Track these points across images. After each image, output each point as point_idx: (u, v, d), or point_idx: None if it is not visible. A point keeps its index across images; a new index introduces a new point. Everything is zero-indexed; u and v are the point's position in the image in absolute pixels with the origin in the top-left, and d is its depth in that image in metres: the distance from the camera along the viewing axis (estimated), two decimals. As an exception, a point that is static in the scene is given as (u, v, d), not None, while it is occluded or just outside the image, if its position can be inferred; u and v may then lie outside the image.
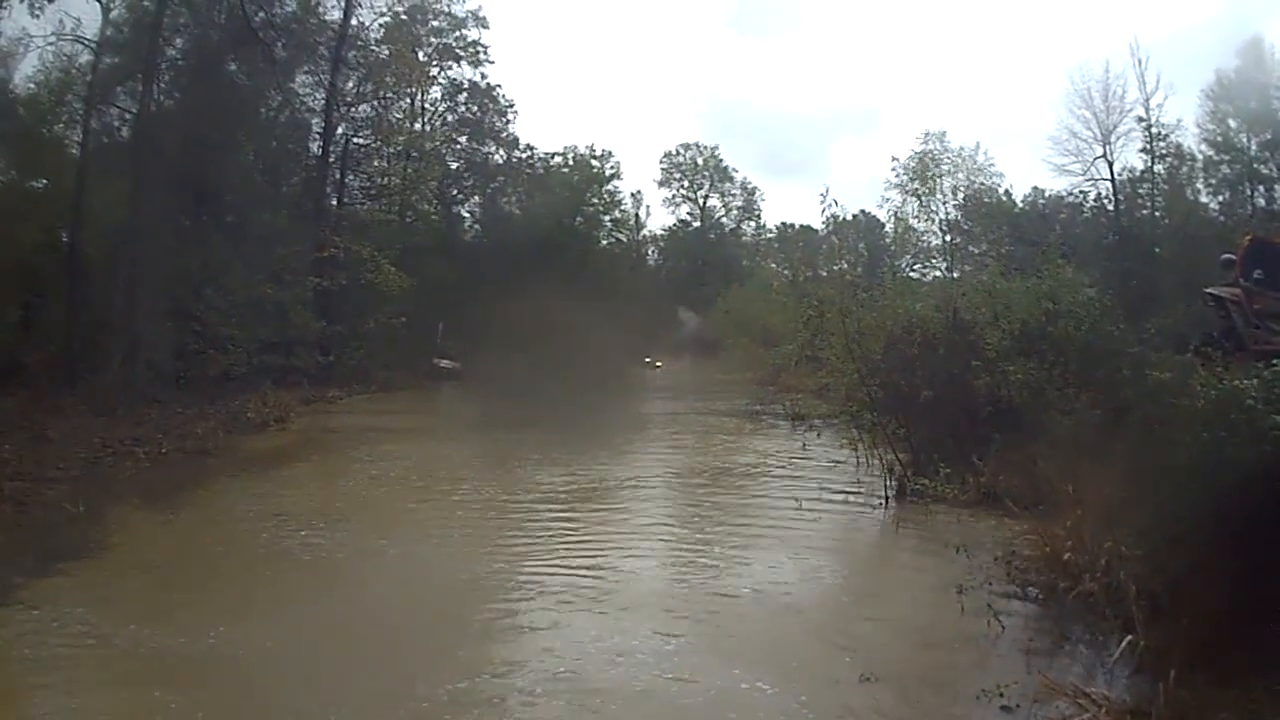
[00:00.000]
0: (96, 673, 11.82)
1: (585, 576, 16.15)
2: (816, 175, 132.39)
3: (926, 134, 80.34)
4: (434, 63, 68.36)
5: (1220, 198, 62.21)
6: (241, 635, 12.95)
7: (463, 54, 69.65)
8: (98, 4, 42.35)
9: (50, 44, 41.93)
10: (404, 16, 62.34)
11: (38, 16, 39.40)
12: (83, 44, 42.71)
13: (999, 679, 10.54)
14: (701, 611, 14.08)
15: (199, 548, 18.31)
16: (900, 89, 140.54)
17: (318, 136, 57.94)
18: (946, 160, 77.29)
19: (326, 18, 56.38)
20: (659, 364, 76.16)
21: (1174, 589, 10.85)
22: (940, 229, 77.72)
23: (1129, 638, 10.85)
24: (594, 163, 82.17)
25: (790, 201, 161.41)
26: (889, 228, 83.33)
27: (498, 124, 74.85)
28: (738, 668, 11.73)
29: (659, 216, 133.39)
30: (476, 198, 75.67)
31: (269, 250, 48.29)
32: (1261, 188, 60.66)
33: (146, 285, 40.52)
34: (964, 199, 76.36)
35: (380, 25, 60.40)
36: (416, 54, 64.17)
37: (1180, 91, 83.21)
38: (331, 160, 58.01)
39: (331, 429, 36.79)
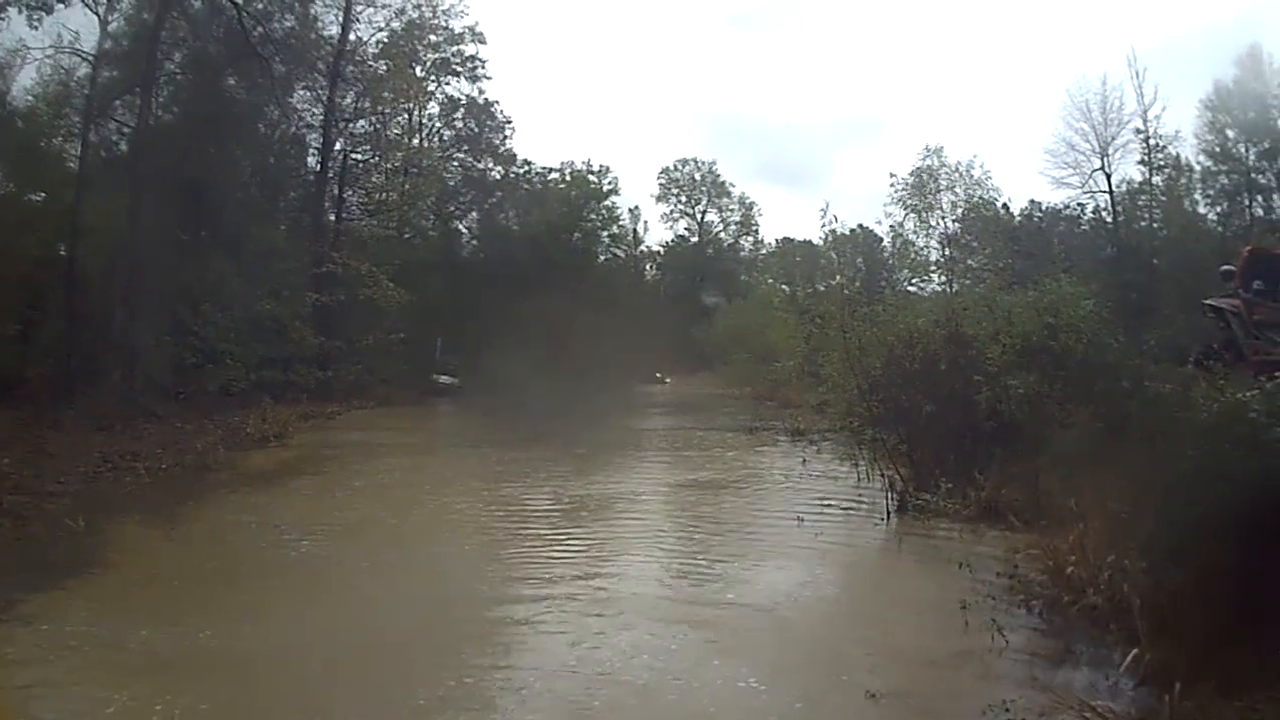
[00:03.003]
0: (113, 671, 11.97)
1: (584, 584, 16.30)
2: (817, 184, 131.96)
3: (925, 149, 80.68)
4: (431, 78, 68.43)
5: (1218, 208, 62.22)
6: (249, 638, 13.24)
7: (460, 69, 69.68)
8: (95, 16, 42.29)
9: (48, 56, 41.89)
10: (401, 32, 62.15)
11: (36, 28, 39.49)
12: (81, 57, 42.68)
13: (1004, 694, 10.52)
14: (701, 623, 14.07)
15: (201, 559, 18.33)
16: (900, 100, 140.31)
17: (316, 152, 58.09)
18: (944, 175, 77.47)
19: (324, 33, 56.56)
20: (667, 379, 76.28)
21: (1177, 601, 10.85)
22: (939, 243, 77.82)
23: (1134, 650, 10.87)
24: (591, 178, 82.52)
25: (791, 211, 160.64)
26: (887, 242, 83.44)
27: (495, 140, 75.18)
28: (740, 678, 11.75)
29: (657, 232, 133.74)
30: (474, 213, 76.03)
31: (267, 266, 48.38)
32: (1260, 198, 60.54)
33: (145, 300, 40.62)
34: (962, 213, 76.46)
35: (378, 41, 60.45)
36: (414, 69, 64.25)
37: (1179, 101, 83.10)
38: (330, 176, 58.03)
39: (331, 445, 36.67)
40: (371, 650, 12.81)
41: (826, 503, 23.29)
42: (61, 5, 39.64)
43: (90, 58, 42.65)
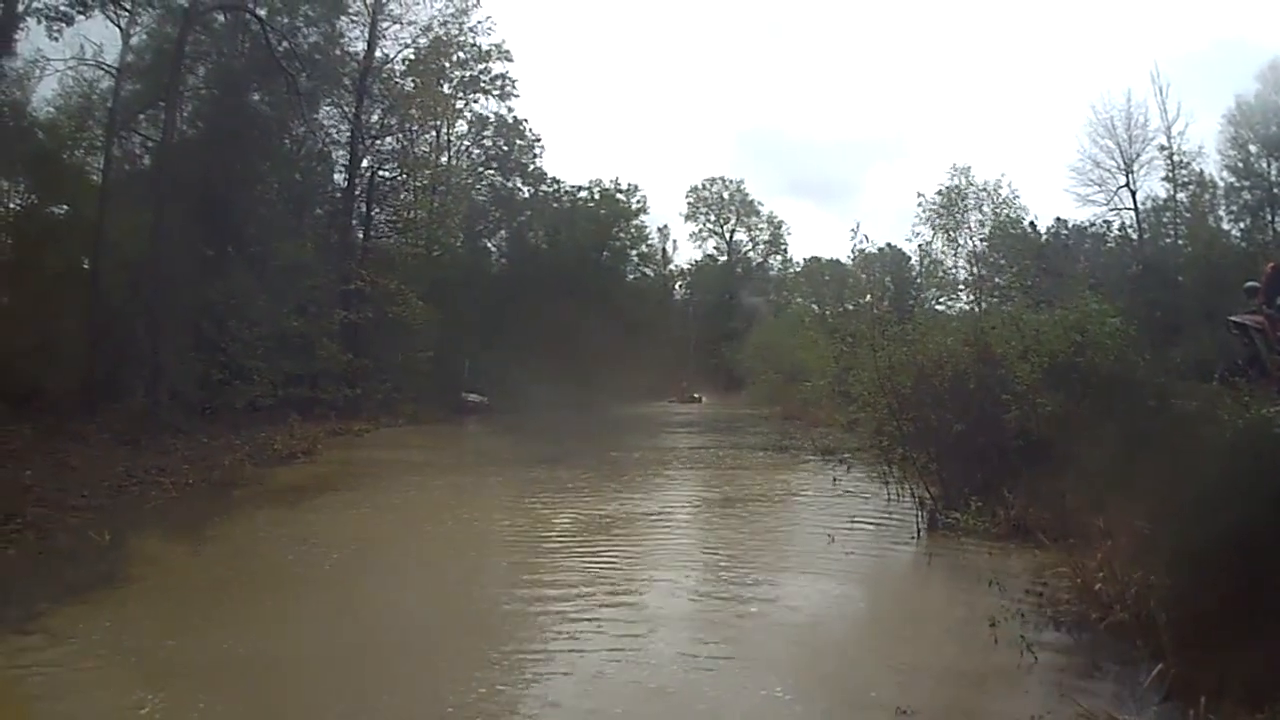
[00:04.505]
0: (143, 677, 11.95)
1: (613, 598, 16.29)
2: (846, 200, 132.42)
3: (954, 168, 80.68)
4: (459, 96, 69.10)
5: (1241, 224, 62.22)
6: (279, 646, 13.32)
7: (488, 87, 70.56)
8: (118, 29, 42.27)
9: (70, 68, 41.78)
10: (428, 49, 62.26)
11: (56, 39, 39.31)
12: (103, 69, 42.61)
13: (1033, 710, 10.55)
14: (731, 636, 14.07)
15: (228, 572, 18.35)
16: (927, 116, 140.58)
17: (342, 169, 58.08)
18: (972, 195, 77.45)
19: (350, 49, 56.82)
20: (701, 398, 76.55)
21: (1202, 616, 10.81)
22: (967, 261, 77.76)
23: (1159, 665, 10.87)
24: (620, 197, 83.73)
25: (819, 227, 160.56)
26: (915, 260, 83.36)
27: (524, 158, 75.89)
28: (770, 692, 11.69)
29: (686, 251, 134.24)
30: (503, 231, 77.06)
31: (294, 282, 48.26)
32: (1283, 212, 60.42)
33: (170, 315, 40.65)
34: (990, 231, 76.36)
35: (404, 59, 60.65)
36: (441, 87, 64.60)
37: (1203, 113, 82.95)
38: (357, 193, 57.98)
39: (359, 461, 36.76)
40: (400, 659, 12.93)
41: (857, 520, 23.11)
42: (82, 17, 39.61)
43: (113, 70, 42.59)
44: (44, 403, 34.05)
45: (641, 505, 26.69)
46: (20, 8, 37.30)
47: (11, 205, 41.76)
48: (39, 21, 38.32)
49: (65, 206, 42.46)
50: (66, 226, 41.59)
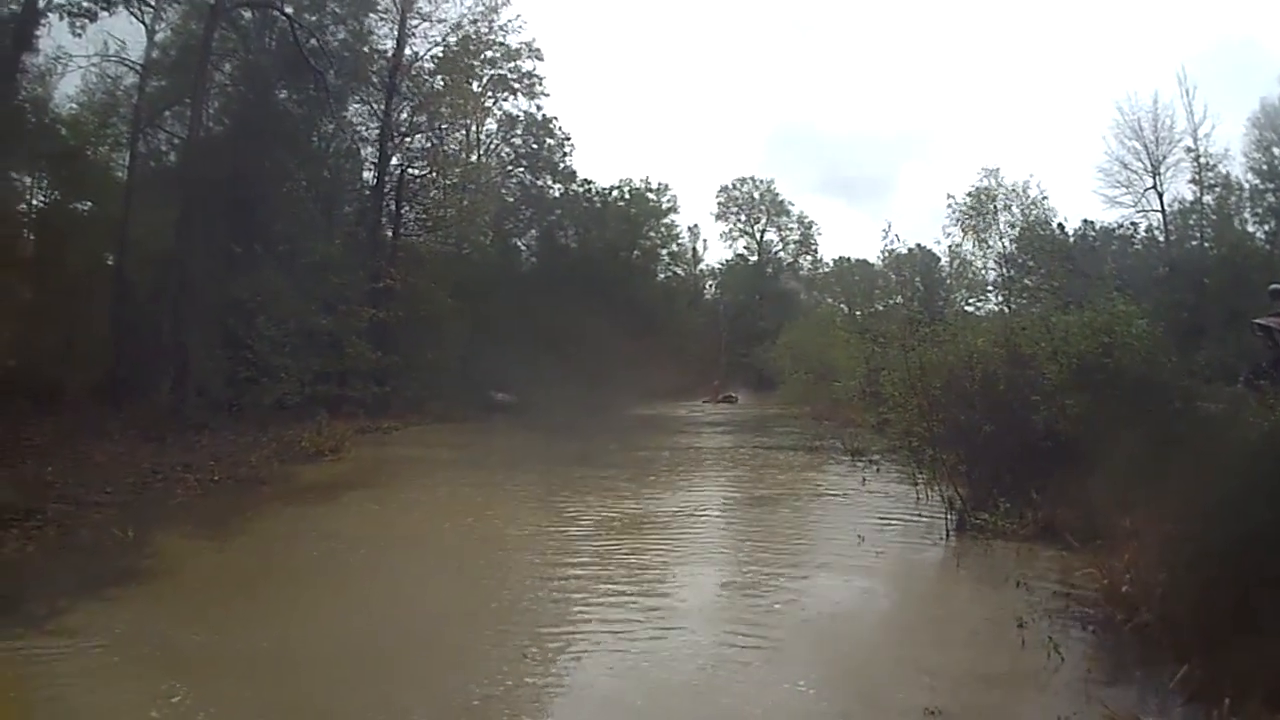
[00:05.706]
0: (171, 669, 12.05)
1: (641, 593, 16.49)
2: (877, 198, 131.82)
3: (983, 170, 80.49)
4: (488, 94, 69.05)
5: (1266, 227, 61.73)
6: (307, 640, 13.56)
7: (518, 86, 70.23)
8: (142, 26, 42.37)
9: (94, 65, 41.77)
10: (457, 47, 61.90)
11: (79, 35, 39.11)
12: (127, 65, 42.67)
13: (1059, 710, 10.59)
14: (760, 634, 14.06)
15: (254, 568, 18.52)
16: (956, 116, 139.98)
17: (372, 166, 57.88)
18: (1001, 196, 77.18)
19: (379, 47, 56.60)
20: (736, 397, 76.33)
21: (1225, 617, 10.81)
22: (996, 262, 77.53)
23: (1184, 667, 10.83)
24: (650, 196, 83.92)
25: (849, 225, 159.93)
26: (944, 262, 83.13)
27: (554, 157, 75.91)
28: (797, 690, 11.77)
29: (716, 250, 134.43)
30: (533, 230, 77.02)
31: (322, 280, 47.96)
32: (1307, 215, 60.10)
33: (196, 312, 40.57)
34: (1019, 233, 76.12)
35: (433, 57, 60.33)
36: (471, 85, 64.49)
37: (1231, 115, 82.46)
38: (386, 191, 57.75)
39: (387, 459, 36.74)
40: (427, 652, 13.15)
41: (886, 521, 23.18)
42: (105, 14, 39.49)
43: (138, 67, 42.80)
44: (68, 399, 34.15)
45: (670, 503, 26.68)
46: (42, 3, 37.20)
47: (34, 202, 41.83)
48: (61, 18, 38.18)
49: (89, 203, 42.65)
50: (90, 223, 41.78)
